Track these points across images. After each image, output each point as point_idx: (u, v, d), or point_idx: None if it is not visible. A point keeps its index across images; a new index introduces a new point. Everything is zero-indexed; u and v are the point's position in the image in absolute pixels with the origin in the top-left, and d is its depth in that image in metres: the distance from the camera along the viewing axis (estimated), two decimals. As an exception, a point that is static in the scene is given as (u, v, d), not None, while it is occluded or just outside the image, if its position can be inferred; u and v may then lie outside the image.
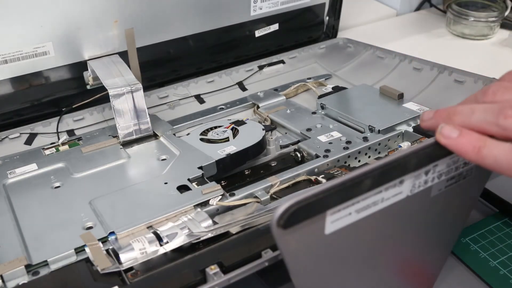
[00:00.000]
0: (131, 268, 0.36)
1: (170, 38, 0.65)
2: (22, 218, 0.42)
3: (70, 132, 0.58)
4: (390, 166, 0.27)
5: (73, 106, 0.60)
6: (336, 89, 0.65)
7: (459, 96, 0.60)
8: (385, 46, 0.74)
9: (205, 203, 0.43)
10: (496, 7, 0.87)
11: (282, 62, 0.74)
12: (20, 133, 0.57)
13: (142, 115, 0.54)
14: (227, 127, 0.55)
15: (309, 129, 0.55)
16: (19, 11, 0.54)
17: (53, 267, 0.37)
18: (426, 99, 0.61)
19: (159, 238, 0.38)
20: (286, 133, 0.58)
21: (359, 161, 0.51)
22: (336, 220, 0.27)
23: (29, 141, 0.56)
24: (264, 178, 0.46)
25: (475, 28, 0.86)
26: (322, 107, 0.60)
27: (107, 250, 0.38)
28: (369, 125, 0.54)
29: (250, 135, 0.52)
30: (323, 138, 0.53)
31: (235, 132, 0.54)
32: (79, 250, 0.38)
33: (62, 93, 0.61)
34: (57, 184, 0.47)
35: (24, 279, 0.36)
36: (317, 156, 0.50)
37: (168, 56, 0.67)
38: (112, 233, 0.39)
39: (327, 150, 0.50)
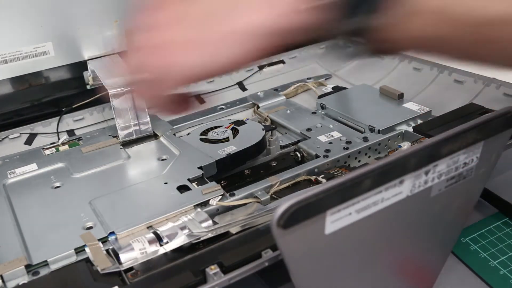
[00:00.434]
0: (131, 268, 0.36)
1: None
2: (22, 218, 0.42)
3: (70, 132, 0.58)
4: (390, 166, 0.27)
5: (73, 106, 0.60)
6: (336, 89, 0.65)
7: (459, 96, 0.60)
8: (385, 46, 0.73)
9: (205, 203, 0.43)
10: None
11: (282, 62, 0.74)
12: (20, 133, 0.57)
13: (142, 115, 0.54)
14: (227, 127, 0.55)
15: (309, 129, 0.55)
16: (19, 11, 0.54)
17: (53, 267, 0.37)
18: (426, 99, 0.61)
19: (159, 238, 0.38)
20: (286, 133, 0.58)
21: (359, 161, 0.51)
22: (336, 220, 0.27)
23: (29, 141, 0.57)
24: (264, 178, 0.46)
25: (475, 28, 0.86)
26: (322, 107, 0.60)
27: (107, 250, 0.38)
28: (369, 125, 0.54)
29: (250, 135, 0.52)
30: (323, 138, 0.53)
31: (235, 132, 0.54)
32: (79, 250, 0.38)
33: (62, 93, 0.61)
34: (57, 184, 0.47)
35: (24, 279, 0.36)
36: (317, 156, 0.50)
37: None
38: (112, 233, 0.39)
39: (327, 150, 0.50)
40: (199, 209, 0.42)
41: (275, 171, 0.48)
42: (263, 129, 0.53)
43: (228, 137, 0.53)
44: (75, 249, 0.38)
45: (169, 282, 0.34)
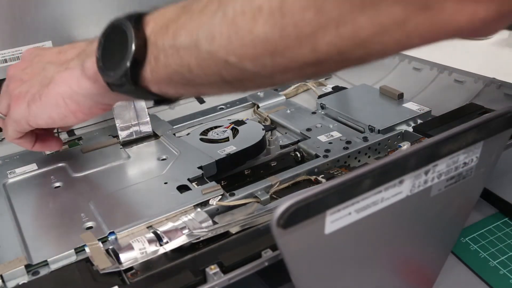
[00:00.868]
0: (131, 268, 0.36)
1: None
2: (22, 218, 0.42)
3: (70, 132, 0.58)
4: (390, 166, 0.27)
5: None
6: (336, 89, 0.65)
7: (459, 96, 0.60)
8: (385, 46, 0.73)
9: (205, 203, 0.43)
10: (496, 7, 0.87)
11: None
12: (20, 133, 0.57)
13: (142, 115, 0.54)
14: (227, 127, 0.55)
15: (309, 129, 0.55)
16: (18, 10, 0.54)
17: (53, 267, 0.37)
18: (426, 99, 0.61)
19: (159, 238, 0.38)
20: (286, 133, 0.58)
21: (359, 161, 0.51)
22: (336, 220, 0.27)
23: (29, 141, 0.56)
24: (264, 178, 0.46)
25: (475, 28, 0.86)
26: (322, 107, 0.60)
27: (107, 250, 0.38)
28: (369, 125, 0.54)
29: (250, 135, 0.52)
30: (323, 138, 0.53)
31: (235, 132, 0.54)
32: (79, 250, 0.38)
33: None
34: (57, 184, 0.47)
35: (24, 279, 0.36)
36: (317, 156, 0.50)
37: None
38: (112, 233, 0.39)
39: (327, 150, 0.50)
40: (199, 209, 0.42)
41: (275, 171, 0.48)
42: (263, 129, 0.53)
43: (228, 137, 0.53)
44: (75, 249, 0.38)
45: (169, 282, 0.34)
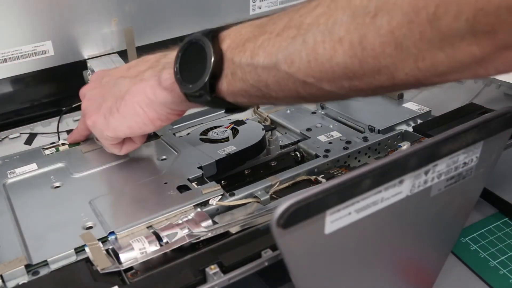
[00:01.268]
0: (131, 268, 0.36)
1: (169, 37, 0.65)
2: (22, 218, 0.42)
3: (70, 132, 0.58)
4: (390, 166, 0.27)
5: (73, 106, 0.60)
6: (336, 89, 0.65)
7: (459, 96, 0.60)
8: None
9: (205, 203, 0.43)
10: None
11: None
12: (20, 133, 0.57)
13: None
14: (227, 127, 0.55)
15: (309, 129, 0.55)
16: (18, 10, 0.54)
17: (53, 267, 0.37)
18: (426, 99, 0.61)
19: (159, 238, 0.38)
20: (286, 133, 0.58)
21: (359, 161, 0.51)
22: (336, 220, 0.27)
23: (29, 141, 0.56)
24: (264, 178, 0.46)
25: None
26: (322, 107, 0.60)
27: (107, 250, 0.38)
28: (369, 125, 0.54)
29: (250, 135, 0.52)
30: (323, 138, 0.53)
31: (235, 132, 0.54)
32: (79, 250, 0.38)
33: (62, 93, 0.61)
34: (57, 184, 0.47)
35: (24, 279, 0.36)
36: (317, 156, 0.50)
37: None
38: (112, 233, 0.39)
39: (327, 150, 0.50)
40: (199, 209, 0.42)
41: (275, 171, 0.48)
42: (263, 129, 0.53)
43: (228, 137, 0.53)
44: (75, 249, 0.38)
45: (169, 282, 0.34)
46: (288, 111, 0.60)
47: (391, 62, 0.28)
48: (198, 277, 0.34)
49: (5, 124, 0.58)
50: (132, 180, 0.47)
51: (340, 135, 0.53)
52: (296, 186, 0.46)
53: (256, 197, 0.44)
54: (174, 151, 0.51)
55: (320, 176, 0.46)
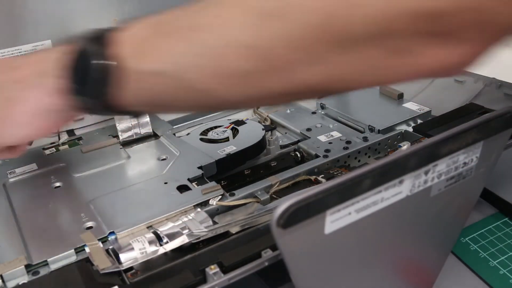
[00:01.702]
0: (131, 268, 0.36)
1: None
2: (22, 218, 0.42)
3: (70, 132, 0.58)
4: (390, 166, 0.27)
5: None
6: (336, 89, 0.65)
7: (459, 96, 0.60)
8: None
9: (205, 203, 0.43)
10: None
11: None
12: (20, 133, 0.57)
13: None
14: (227, 127, 0.55)
15: (309, 129, 0.55)
16: (17, 10, 0.54)
17: (53, 267, 0.37)
18: (426, 99, 0.61)
19: (159, 238, 0.38)
20: (286, 133, 0.58)
21: (359, 161, 0.51)
22: (336, 220, 0.27)
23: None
24: (264, 178, 0.46)
25: (475, 28, 0.86)
26: (322, 107, 0.60)
27: (107, 250, 0.38)
28: (369, 125, 0.54)
29: (250, 135, 0.52)
30: (323, 138, 0.53)
31: (235, 132, 0.54)
32: (79, 250, 0.38)
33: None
34: (57, 184, 0.47)
35: (24, 279, 0.36)
36: (317, 156, 0.50)
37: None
38: (112, 233, 0.39)
39: (327, 150, 0.50)
40: (199, 209, 0.42)
41: (275, 171, 0.48)
42: (263, 129, 0.53)
43: (228, 137, 0.53)
44: (75, 249, 0.38)
45: (169, 282, 0.34)
46: (288, 111, 0.60)
47: (288, 65, 0.27)
48: (198, 277, 0.34)
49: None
50: (132, 180, 0.47)
51: (340, 135, 0.53)
52: (296, 186, 0.46)
53: (256, 197, 0.44)
54: (174, 151, 0.51)
55: (320, 176, 0.46)
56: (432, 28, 0.25)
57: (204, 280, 0.34)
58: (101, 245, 0.38)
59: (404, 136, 0.53)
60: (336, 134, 0.54)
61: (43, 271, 0.37)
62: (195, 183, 0.45)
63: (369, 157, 0.52)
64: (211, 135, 0.54)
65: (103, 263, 0.36)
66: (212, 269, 0.34)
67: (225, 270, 0.34)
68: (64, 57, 0.35)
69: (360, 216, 0.28)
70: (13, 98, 0.39)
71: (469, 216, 0.37)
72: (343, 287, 0.33)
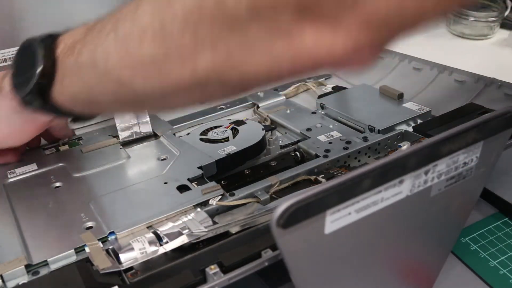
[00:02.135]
0: (131, 268, 0.36)
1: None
2: (22, 218, 0.42)
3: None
4: (390, 166, 0.27)
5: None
6: (336, 89, 0.65)
7: (459, 96, 0.60)
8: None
9: (205, 203, 0.43)
10: (496, 7, 0.87)
11: (282, 62, 0.74)
12: (20, 133, 0.57)
13: (142, 115, 0.54)
14: (227, 127, 0.55)
15: (309, 129, 0.55)
16: (17, 10, 0.54)
17: (53, 267, 0.37)
18: (426, 99, 0.61)
19: (159, 238, 0.38)
20: (286, 133, 0.58)
21: (359, 161, 0.51)
22: (336, 219, 0.27)
23: (29, 141, 0.56)
24: (264, 178, 0.46)
25: (475, 28, 0.86)
26: (322, 107, 0.60)
27: (107, 250, 0.38)
28: (369, 125, 0.54)
29: (250, 135, 0.52)
30: (323, 138, 0.53)
31: (235, 132, 0.54)
32: (79, 250, 0.38)
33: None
34: (57, 184, 0.47)
35: (24, 279, 0.36)
36: (317, 156, 0.50)
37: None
38: (112, 233, 0.39)
39: (327, 150, 0.50)
40: (199, 209, 0.42)
41: (275, 171, 0.48)
42: (263, 129, 0.53)
43: (228, 137, 0.53)
44: (75, 249, 0.38)
45: (169, 282, 0.34)
46: (288, 111, 0.60)
47: (190, 52, 0.27)
48: (198, 277, 0.34)
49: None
50: (132, 180, 0.47)
51: (340, 135, 0.53)
52: (296, 186, 0.46)
53: (256, 197, 0.44)
54: (174, 151, 0.51)
55: (320, 176, 0.46)
56: (303, 6, 0.25)
57: (204, 280, 0.34)
58: (101, 245, 0.38)
59: (404, 136, 0.53)
60: (336, 134, 0.54)
61: (43, 271, 0.37)
62: (195, 183, 0.45)
63: (369, 157, 0.52)
64: (211, 135, 0.54)
65: (103, 263, 0.36)
66: (212, 269, 0.34)
67: (225, 270, 0.34)
68: (15, 56, 0.39)
69: (360, 216, 0.28)
70: None
71: (469, 216, 0.37)
72: (343, 287, 0.33)
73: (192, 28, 0.26)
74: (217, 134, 0.54)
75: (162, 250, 0.37)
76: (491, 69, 0.63)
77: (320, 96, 0.62)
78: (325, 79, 0.70)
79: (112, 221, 0.40)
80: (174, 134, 0.55)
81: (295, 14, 0.25)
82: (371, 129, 0.53)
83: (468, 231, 0.46)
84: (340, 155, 0.49)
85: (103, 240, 0.39)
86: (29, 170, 0.49)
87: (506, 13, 0.86)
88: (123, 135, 0.53)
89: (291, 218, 0.24)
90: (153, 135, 0.55)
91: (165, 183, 0.46)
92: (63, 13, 0.56)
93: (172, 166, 0.48)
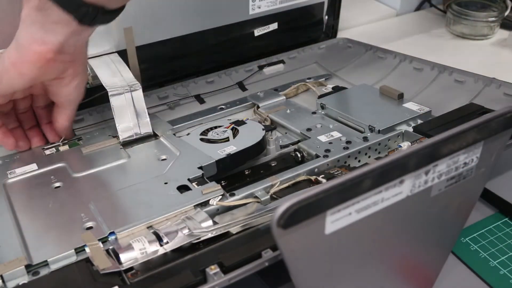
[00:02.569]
0: (131, 268, 0.36)
1: (169, 37, 0.65)
2: (22, 218, 0.42)
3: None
4: (390, 166, 0.27)
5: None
6: (336, 89, 0.65)
7: (459, 96, 0.60)
8: (385, 46, 0.74)
9: (205, 203, 0.43)
10: (496, 7, 0.87)
11: (282, 62, 0.74)
12: (20, 133, 0.57)
13: (142, 115, 0.54)
14: (227, 127, 0.55)
15: (309, 129, 0.55)
16: (18, 9, 0.54)
17: (53, 267, 0.37)
18: (426, 99, 0.61)
19: (159, 238, 0.38)
20: (286, 133, 0.58)
21: (359, 161, 0.51)
22: (336, 220, 0.27)
23: (29, 141, 0.56)
24: (264, 178, 0.46)
25: (475, 28, 0.86)
26: (322, 107, 0.60)
27: (107, 250, 0.38)
28: (369, 125, 0.54)
29: (250, 135, 0.52)
30: (323, 138, 0.53)
31: (235, 132, 0.54)
32: (79, 250, 0.38)
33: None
34: (57, 184, 0.47)
35: (24, 279, 0.36)
36: (317, 156, 0.50)
37: (167, 55, 0.67)
38: (112, 233, 0.39)
39: (327, 150, 0.50)
40: (199, 209, 0.42)
41: (275, 171, 0.48)
42: (263, 129, 0.53)
43: (228, 137, 0.53)
44: (75, 249, 0.38)
45: (169, 282, 0.34)
46: (288, 111, 0.60)
47: None
48: (198, 277, 0.34)
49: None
50: (132, 180, 0.47)
51: (340, 135, 0.53)
52: (296, 186, 0.46)
53: (256, 197, 0.44)
54: (174, 151, 0.51)
55: (320, 176, 0.46)
56: None
57: (204, 280, 0.34)
58: (101, 245, 0.38)
59: (404, 136, 0.53)
60: (336, 134, 0.54)
61: (43, 271, 0.37)
62: (195, 183, 0.45)
63: (369, 157, 0.52)
64: (211, 135, 0.54)
65: (103, 263, 0.36)
66: (212, 269, 0.34)
67: (225, 270, 0.34)
68: None
69: (361, 216, 0.28)
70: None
71: (469, 216, 0.37)
72: (343, 287, 0.33)
73: None
74: (217, 134, 0.54)
75: (162, 250, 0.37)
76: (491, 69, 0.63)
77: (320, 96, 0.62)
78: (325, 79, 0.70)
79: (112, 221, 0.40)
80: (174, 134, 0.55)
81: None
82: (371, 129, 0.53)
83: (468, 231, 0.46)
84: (340, 155, 0.49)
85: (103, 240, 0.39)
86: (29, 170, 0.49)
87: (506, 13, 0.86)
88: (123, 135, 0.53)
89: (291, 219, 0.24)
90: (153, 135, 0.55)
91: (165, 183, 0.46)
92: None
93: (172, 166, 0.48)
